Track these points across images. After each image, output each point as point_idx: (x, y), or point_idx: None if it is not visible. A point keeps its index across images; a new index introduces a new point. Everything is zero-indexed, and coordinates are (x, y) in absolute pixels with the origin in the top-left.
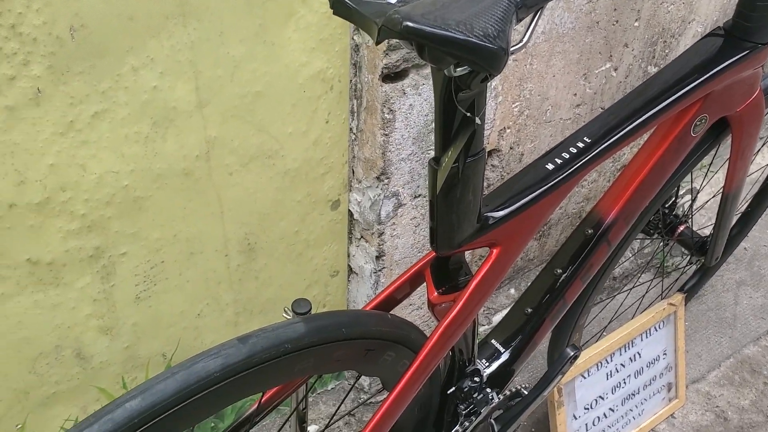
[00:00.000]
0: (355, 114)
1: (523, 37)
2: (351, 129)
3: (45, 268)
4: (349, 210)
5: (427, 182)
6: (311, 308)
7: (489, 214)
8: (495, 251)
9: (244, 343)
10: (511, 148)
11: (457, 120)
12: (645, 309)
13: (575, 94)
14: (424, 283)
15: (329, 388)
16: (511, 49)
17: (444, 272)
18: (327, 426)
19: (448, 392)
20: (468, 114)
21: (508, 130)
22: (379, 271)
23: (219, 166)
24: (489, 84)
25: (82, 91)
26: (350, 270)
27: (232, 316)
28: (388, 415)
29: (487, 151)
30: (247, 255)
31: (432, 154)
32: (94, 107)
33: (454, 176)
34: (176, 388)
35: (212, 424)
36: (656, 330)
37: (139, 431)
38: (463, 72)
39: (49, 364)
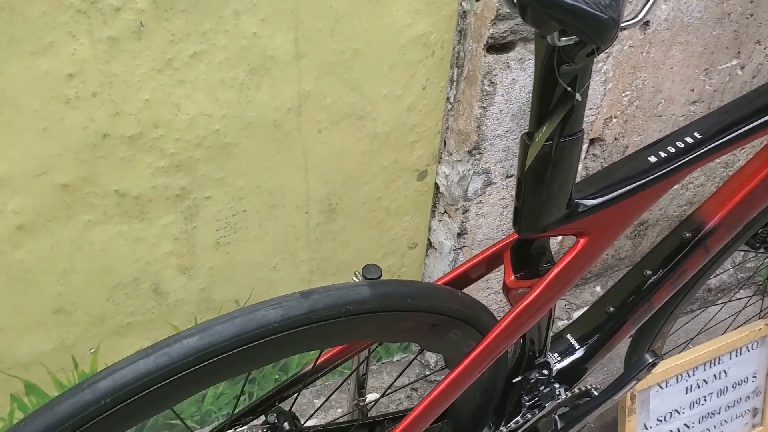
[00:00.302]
0: (454, 83)
1: (639, 13)
2: (448, 98)
3: (131, 202)
4: (436, 182)
5: None
6: (381, 275)
7: (580, 201)
8: (581, 241)
9: (306, 298)
10: (615, 139)
11: (556, 94)
12: (739, 326)
13: (692, 90)
14: (502, 266)
15: (395, 360)
16: (624, 23)
17: (524, 256)
18: (384, 394)
19: (514, 381)
20: (568, 89)
21: (614, 120)
22: (459, 249)
23: (309, 122)
24: (595, 60)
25: (183, 30)
26: (429, 244)
27: (306, 273)
28: (446, 394)
29: (589, 138)
30: (327, 215)
31: None
32: (194, 47)
33: (547, 154)
34: (234, 333)
35: (276, 376)
36: (748, 350)
37: (193, 369)
38: (568, 42)
39: (127, 295)
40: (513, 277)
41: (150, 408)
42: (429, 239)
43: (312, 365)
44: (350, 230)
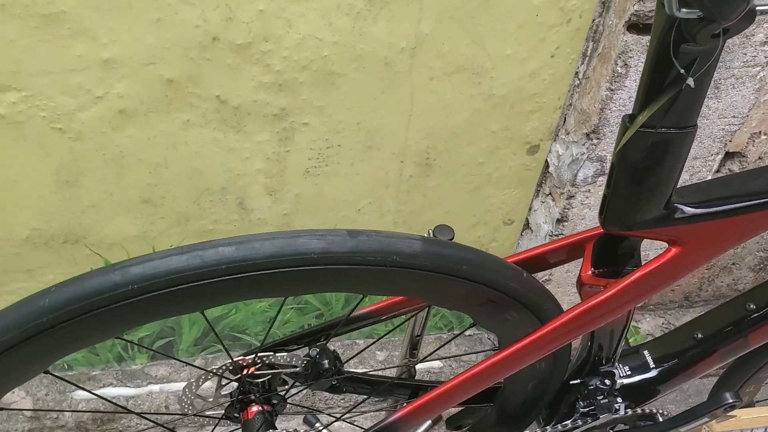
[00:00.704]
0: (586, 58)
1: None
2: (577, 73)
3: (231, 111)
4: (546, 160)
5: None
6: (453, 238)
7: (680, 205)
8: (673, 250)
9: (352, 237)
10: (759, 158)
11: (668, 75)
12: None
13: None
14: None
15: (467, 334)
16: (761, 5)
17: (609, 253)
18: (429, 355)
19: (572, 383)
20: (682, 71)
21: (763, 137)
22: (556, 235)
23: (421, 66)
24: (752, 64)
25: None
26: (526, 224)
27: (390, 224)
28: (487, 374)
29: (726, 150)
30: (423, 169)
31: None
32: None
33: (645, 142)
34: (270, 252)
35: (319, 311)
36: None
37: (222, 279)
38: (689, 15)
39: (213, 202)
40: (590, 272)
41: (175, 306)
42: (527, 219)
43: (346, 316)
44: (444, 190)
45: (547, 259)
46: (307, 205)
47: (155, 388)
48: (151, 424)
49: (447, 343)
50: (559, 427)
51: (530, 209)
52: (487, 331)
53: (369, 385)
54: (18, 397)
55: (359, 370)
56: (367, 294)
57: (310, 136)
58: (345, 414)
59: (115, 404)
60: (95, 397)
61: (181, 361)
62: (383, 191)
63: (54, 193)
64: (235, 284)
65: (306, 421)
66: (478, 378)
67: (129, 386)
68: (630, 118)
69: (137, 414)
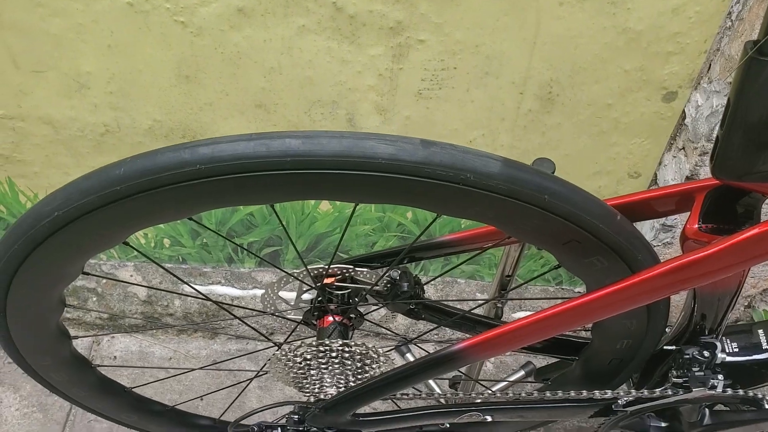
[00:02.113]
0: None
1: None
2: (729, 13)
3: (346, 20)
4: (684, 110)
5: None
6: (553, 171)
7: None
8: None
9: (425, 147)
10: None
11: None
12: None
13: None
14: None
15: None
16: None
17: (722, 207)
18: (508, 290)
19: (666, 348)
20: None
21: None
22: None
23: None
24: None
25: None
26: (654, 179)
27: None
28: (565, 318)
29: None
30: (543, 104)
31: None
32: None
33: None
34: (336, 151)
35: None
36: None
37: (285, 173)
38: None
39: (323, 114)
40: (696, 226)
41: (239, 194)
42: (656, 173)
43: (451, 236)
44: (565, 130)
45: (652, 206)
46: (417, 130)
47: (259, 292)
48: (251, 322)
49: (536, 277)
50: (646, 393)
51: (660, 163)
52: (572, 274)
53: (446, 316)
54: (134, 279)
55: (438, 299)
56: (437, 213)
57: (425, 55)
58: (415, 338)
59: (205, 297)
60: (200, 290)
61: (270, 264)
62: (498, 124)
63: (174, 87)
64: (298, 180)
65: (398, 350)
66: (553, 321)
67: (235, 287)
68: (753, 45)
69: (215, 302)
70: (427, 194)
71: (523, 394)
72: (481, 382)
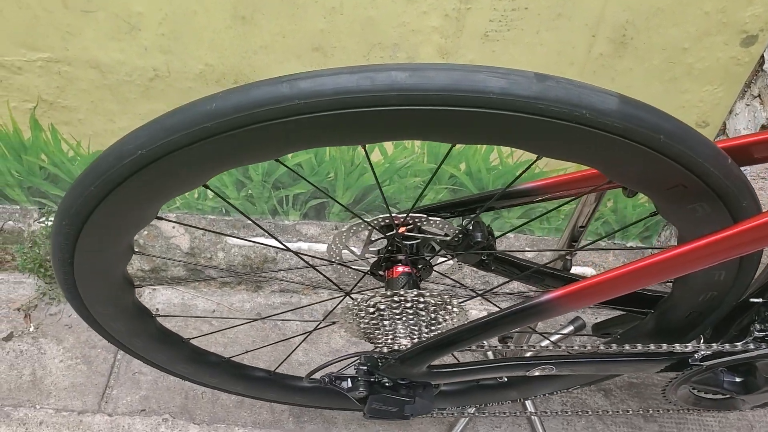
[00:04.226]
0: None
1: None
2: None
3: None
4: (763, 56)
5: None
6: None
7: None
8: None
9: (540, 81)
10: None
11: None
12: None
13: None
14: None
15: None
16: None
17: None
18: (579, 241)
19: (751, 300)
20: None
21: None
22: None
23: None
24: None
25: None
26: (722, 129)
27: None
28: (658, 269)
29: None
30: (616, 47)
31: None
32: None
33: None
34: (445, 85)
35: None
36: None
37: (391, 109)
38: None
39: (382, 58)
40: None
41: (338, 133)
42: (725, 123)
43: (524, 185)
44: (635, 76)
45: (763, 151)
46: None
47: (304, 245)
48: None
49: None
50: (727, 347)
51: (731, 112)
52: (668, 221)
53: (518, 269)
54: (177, 233)
55: (512, 252)
56: (541, 155)
57: None
58: (486, 292)
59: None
60: (249, 243)
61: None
62: (566, 69)
63: (229, 28)
64: (402, 116)
65: (573, 323)
66: (647, 272)
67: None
68: None
69: (286, 248)
70: (534, 133)
71: (601, 347)
72: (543, 335)
